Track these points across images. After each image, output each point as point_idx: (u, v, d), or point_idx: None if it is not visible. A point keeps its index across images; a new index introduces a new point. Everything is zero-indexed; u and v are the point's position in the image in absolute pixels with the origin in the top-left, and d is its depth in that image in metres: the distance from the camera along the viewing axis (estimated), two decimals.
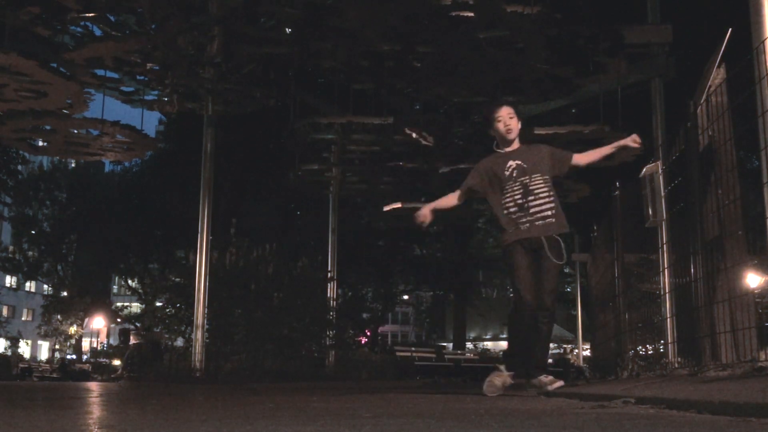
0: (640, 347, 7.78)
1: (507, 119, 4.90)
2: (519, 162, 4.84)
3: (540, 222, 4.73)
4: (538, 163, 4.85)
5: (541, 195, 4.76)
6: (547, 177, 4.83)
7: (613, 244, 8.42)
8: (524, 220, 4.75)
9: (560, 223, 4.79)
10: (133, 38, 11.23)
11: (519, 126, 4.95)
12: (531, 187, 4.78)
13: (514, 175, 4.82)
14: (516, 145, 4.96)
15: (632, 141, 4.87)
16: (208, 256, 12.09)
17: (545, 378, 4.74)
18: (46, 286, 45.69)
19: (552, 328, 4.86)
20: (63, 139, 13.22)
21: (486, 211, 34.92)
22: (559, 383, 4.74)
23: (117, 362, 26.13)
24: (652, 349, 7.43)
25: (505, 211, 4.82)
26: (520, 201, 4.77)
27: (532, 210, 4.74)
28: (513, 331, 4.97)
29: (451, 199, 5.07)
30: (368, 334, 36.40)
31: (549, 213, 4.74)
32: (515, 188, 4.80)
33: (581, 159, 4.99)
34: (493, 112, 4.97)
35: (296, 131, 14.59)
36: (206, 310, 11.88)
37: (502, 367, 4.77)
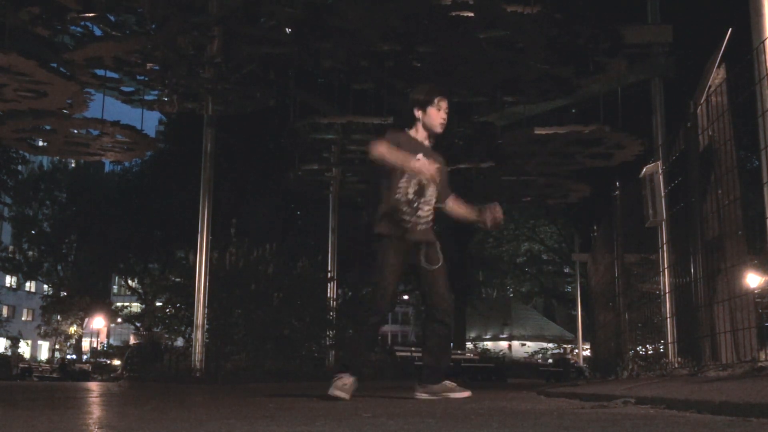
0: (640, 347, 7.78)
1: (444, 112, 4.57)
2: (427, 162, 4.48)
3: (421, 227, 4.46)
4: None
5: (429, 200, 4.50)
6: (436, 191, 4.55)
7: (613, 244, 8.42)
8: (408, 218, 4.42)
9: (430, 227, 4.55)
10: (133, 38, 11.24)
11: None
12: (425, 192, 4.46)
13: None
14: (431, 142, 4.65)
15: (491, 218, 4.47)
16: (208, 256, 12.09)
17: (449, 383, 4.43)
18: (46, 286, 45.71)
19: (451, 331, 4.56)
20: (63, 139, 13.23)
21: None
22: (466, 393, 4.39)
23: (117, 362, 26.15)
24: (652, 349, 7.43)
25: (396, 197, 4.42)
26: (411, 197, 4.43)
27: (417, 210, 4.45)
28: (357, 334, 4.75)
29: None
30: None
31: (430, 224, 4.51)
32: (412, 182, 4.43)
33: (450, 204, 4.64)
34: (436, 96, 4.56)
35: (296, 131, 14.59)
36: (206, 310, 11.88)
37: (343, 376, 4.37)
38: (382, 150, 4.39)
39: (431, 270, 4.45)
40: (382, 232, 4.43)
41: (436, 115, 4.57)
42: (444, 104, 4.59)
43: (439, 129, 4.60)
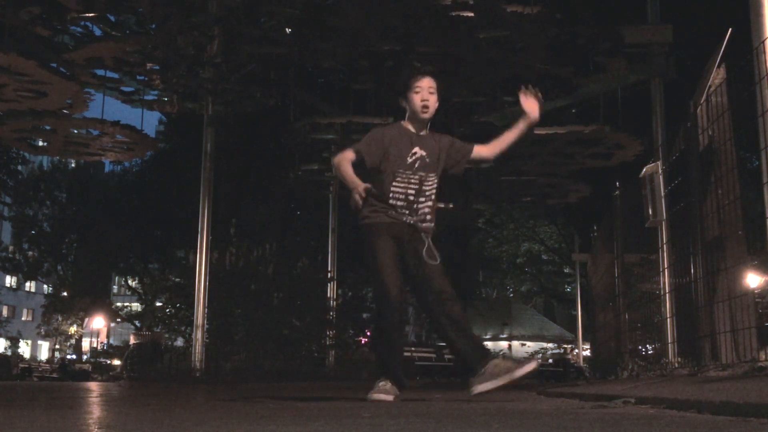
0: (640, 347, 7.79)
1: (426, 93, 4.16)
2: (424, 153, 4.15)
3: (420, 223, 4.13)
4: (437, 161, 4.17)
5: (430, 196, 4.18)
6: (437, 179, 4.23)
7: (613, 244, 8.42)
8: (406, 214, 4.11)
9: (433, 226, 4.23)
10: (133, 38, 11.25)
11: (437, 105, 4.22)
12: (425, 187, 4.15)
13: (416, 165, 4.14)
14: (426, 128, 4.25)
15: (531, 110, 4.37)
16: (208, 256, 12.09)
17: (493, 366, 3.86)
18: (46, 286, 45.70)
19: (461, 311, 4.12)
20: (63, 139, 13.25)
21: (486, 211, 35.07)
22: (523, 369, 3.84)
23: (117, 362, 26.16)
24: (652, 349, 7.44)
25: (391, 195, 4.10)
26: (411, 197, 4.12)
27: (418, 211, 4.12)
28: (379, 336, 4.26)
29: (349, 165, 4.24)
30: (368, 334, 36.39)
31: (428, 217, 4.17)
32: (411, 180, 4.12)
33: (485, 151, 4.38)
34: (412, 79, 4.20)
35: (296, 131, 14.59)
36: (206, 310, 11.88)
37: (383, 382, 4.08)
38: (338, 163, 4.18)
39: (431, 265, 4.08)
40: (374, 219, 4.10)
41: (415, 99, 4.16)
42: (423, 83, 4.17)
43: (422, 114, 4.17)
